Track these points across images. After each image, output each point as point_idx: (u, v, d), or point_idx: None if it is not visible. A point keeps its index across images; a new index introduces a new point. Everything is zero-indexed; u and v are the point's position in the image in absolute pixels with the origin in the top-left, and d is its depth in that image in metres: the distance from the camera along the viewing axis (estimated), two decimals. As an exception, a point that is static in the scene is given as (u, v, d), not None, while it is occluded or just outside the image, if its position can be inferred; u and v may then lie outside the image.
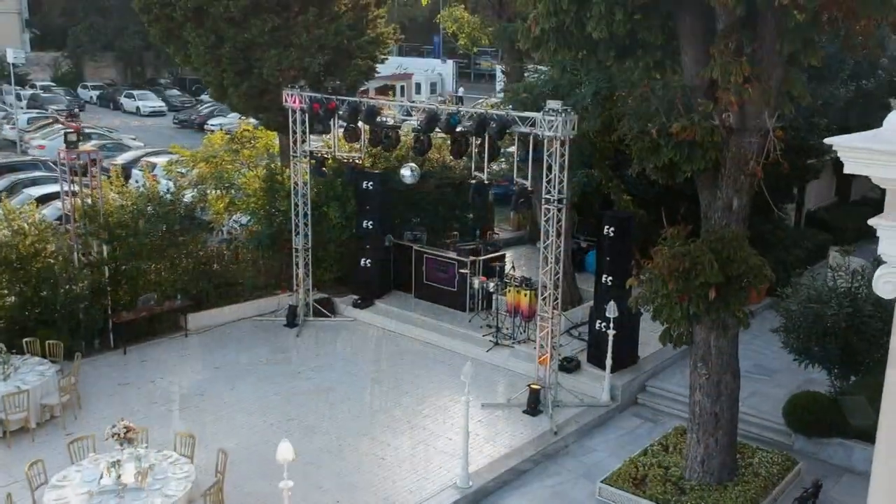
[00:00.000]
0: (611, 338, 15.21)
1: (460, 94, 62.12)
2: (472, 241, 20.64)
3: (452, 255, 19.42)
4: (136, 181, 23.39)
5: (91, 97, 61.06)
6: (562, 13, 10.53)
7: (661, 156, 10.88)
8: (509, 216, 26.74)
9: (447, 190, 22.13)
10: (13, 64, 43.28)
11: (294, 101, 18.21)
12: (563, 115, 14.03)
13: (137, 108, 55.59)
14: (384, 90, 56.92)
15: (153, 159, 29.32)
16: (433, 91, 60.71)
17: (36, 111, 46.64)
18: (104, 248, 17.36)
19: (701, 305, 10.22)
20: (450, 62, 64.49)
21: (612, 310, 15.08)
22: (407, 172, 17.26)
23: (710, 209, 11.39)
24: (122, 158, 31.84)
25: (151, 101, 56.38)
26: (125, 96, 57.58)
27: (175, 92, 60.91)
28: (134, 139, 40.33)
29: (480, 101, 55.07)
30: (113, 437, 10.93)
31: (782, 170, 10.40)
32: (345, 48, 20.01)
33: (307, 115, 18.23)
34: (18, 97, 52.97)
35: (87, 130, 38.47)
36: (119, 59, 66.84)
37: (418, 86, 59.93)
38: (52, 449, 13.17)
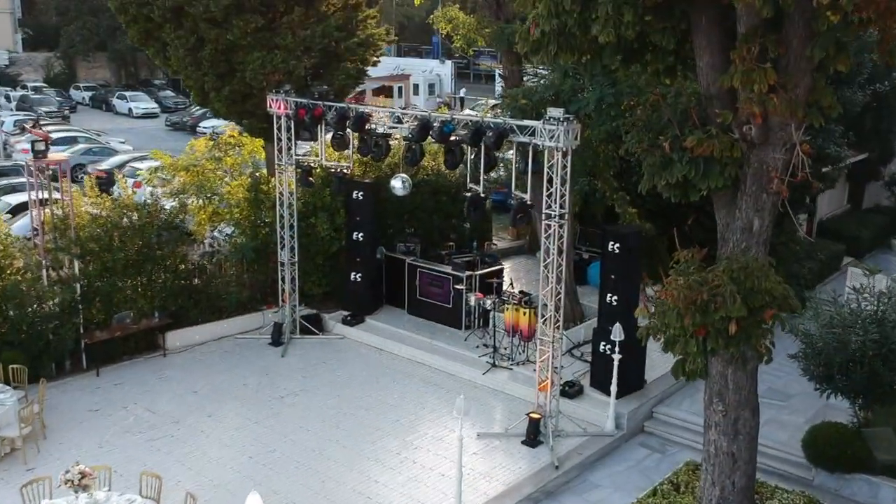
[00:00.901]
0: (616, 362, 14.16)
1: (462, 94, 61.02)
2: (469, 253, 19.56)
3: (447, 269, 18.35)
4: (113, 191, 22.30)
5: (83, 98, 59.99)
6: (564, 14, 9.46)
7: (673, 172, 9.81)
8: (508, 224, 25.67)
9: (442, 199, 21.09)
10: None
11: (279, 107, 17.14)
12: (565, 123, 12.96)
13: (130, 109, 54.52)
14: (381, 91, 55.91)
15: (139, 164, 28.22)
16: (432, 92, 59.62)
17: (24, 113, 45.51)
18: (75, 263, 16.30)
19: (720, 340, 9.15)
20: (448, 63, 63.36)
21: (617, 332, 14.04)
22: (398, 184, 16.17)
23: (727, 230, 10.30)
24: (107, 163, 30.82)
25: (144, 103, 55.29)
26: (117, 97, 56.51)
27: (169, 93, 59.81)
28: (123, 142, 39.29)
29: (480, 102, 54.07)
30: (66, 483, 9.87)
31: (811, 188, 9.37)
32: (333, 50, 18.89)
33: (293, 121, 17.18)
34: (8, 98, 52.03)
35: (73, 133, 37.58)
36: (112, 59, 65.76)
37: (416, 87, 58.86)
38: (11, 488, 12.09)
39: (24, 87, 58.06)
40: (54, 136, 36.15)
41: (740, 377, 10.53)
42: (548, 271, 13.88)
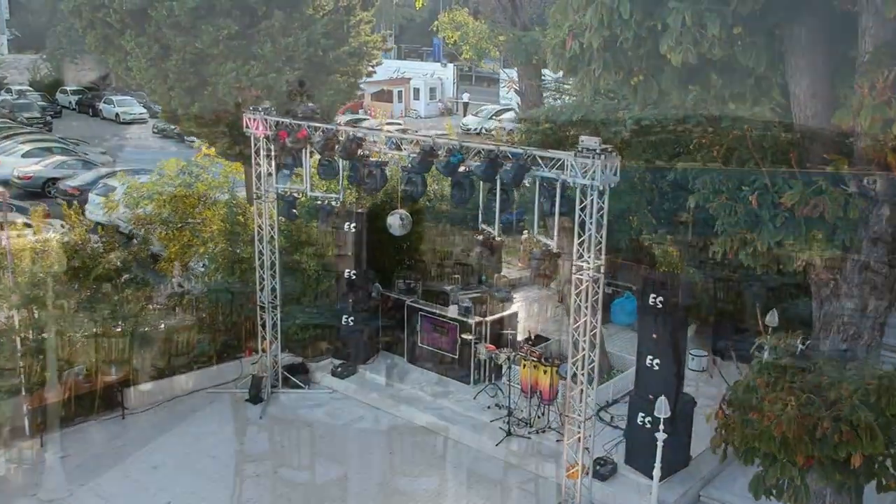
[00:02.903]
0: (660, 443, 11.64)
1: (465, 99, 58.66)
2: (477, 288, 17.05)
3: (453, 313, 15.83)
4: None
5: (70, 102, 57.41)
6: (620, 24, 6.96)
7: (764, 236, 7.31)
8: (518, 250, 23.23)
9: (447, 227, 18.59)
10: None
11: (256, 127, 14.65)
12: (603, 156, 10.45)
13: (117, 114, 51.93)
14: (380, 96, 53.51)
15: (113, 181, 25.62)
16: (433, 97, 57.25)
17: (2, 120, 42.93)
18: (15, 313, 13.83)
19: (838, 476, 6.65)
20: (450, 66, 60.89)
21: (662, 408, 11.53)
22: (396, 222, 13.68)
23: (829, 308, 7.79)
24: (80, 179, 28.19)
25: (132, 108, 52.68)
26: (104, 102, 53.88)
27: (159, 97, 57.32)
28: (104, 153, 36.74)
29: (484, 108, 51.57)
30: None
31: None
32: (320, 61, 16.30)
33: (273, 144, 14.68)
34: (-15, 104, 49.51)
35: (49, 144, 35.09)
36: (101, 62, 63.14)
37: (417, 91, 56.45)
38: None
39: (8, 90, 55.52)
40: (28, 146, 33.80)
41: (844, 499, 8.03)
42: (578, 335, 11.37)
